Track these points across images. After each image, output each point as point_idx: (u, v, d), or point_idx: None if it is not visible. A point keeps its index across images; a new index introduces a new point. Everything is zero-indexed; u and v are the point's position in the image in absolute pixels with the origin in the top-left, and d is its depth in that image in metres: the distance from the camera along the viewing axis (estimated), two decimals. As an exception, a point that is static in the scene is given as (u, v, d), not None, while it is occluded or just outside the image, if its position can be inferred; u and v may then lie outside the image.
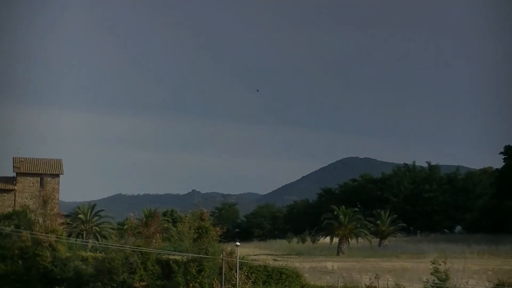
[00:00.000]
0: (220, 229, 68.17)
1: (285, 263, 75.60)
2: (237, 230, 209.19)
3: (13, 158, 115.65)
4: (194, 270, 63.85)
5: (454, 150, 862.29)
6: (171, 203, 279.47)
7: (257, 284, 66.64)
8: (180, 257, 66.91)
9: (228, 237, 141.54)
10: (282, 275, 69.90)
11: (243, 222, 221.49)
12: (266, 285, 68.14)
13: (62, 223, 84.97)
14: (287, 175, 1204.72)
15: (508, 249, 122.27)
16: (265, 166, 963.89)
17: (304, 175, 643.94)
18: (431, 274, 66.58)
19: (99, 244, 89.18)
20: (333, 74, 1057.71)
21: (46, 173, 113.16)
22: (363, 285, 73.92)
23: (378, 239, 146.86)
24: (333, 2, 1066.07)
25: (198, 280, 63.55)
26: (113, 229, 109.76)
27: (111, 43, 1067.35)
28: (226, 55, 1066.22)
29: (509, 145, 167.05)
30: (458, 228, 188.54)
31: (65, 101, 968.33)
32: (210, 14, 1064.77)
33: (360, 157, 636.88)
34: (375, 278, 72.22)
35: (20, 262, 69.21)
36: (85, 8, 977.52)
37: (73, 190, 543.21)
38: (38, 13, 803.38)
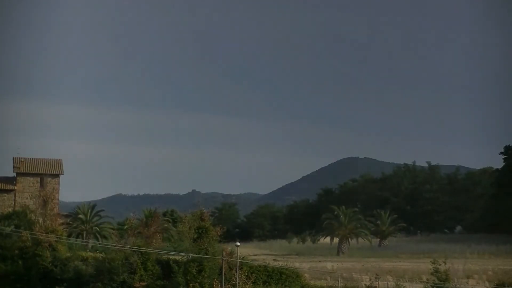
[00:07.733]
0: (220, 229, 68.18)
1: (285, 263, 75.65)
2: (237, 230, 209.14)
3: (13, 158, 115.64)
4: (194, 270, 63.81)
5: (454, 150, 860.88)
6: (171, 203, 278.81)
7: (257, 284, 66.58)
8: (180, 257, 66.88)
9: (228, 237, 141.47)
10: (282, 275, 69.86)
11: (243, 222, 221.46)
12: (266, 285, 68.10)
13: (62, 223, 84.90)
14: (287, 175, 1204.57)
15: (508, 249, 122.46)
16: (265, 166, 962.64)
17: (304, 175, 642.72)
18: (431, 274, 66.61)
19: (99, 244, 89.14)
20: (333, 74, 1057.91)
21: (46, 173, 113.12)
22: (363, 285, 73.94)
23: (378, 239, 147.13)
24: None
25: (198, 280, 63.51)
26: (113, 229, 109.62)
27: (111, 40, 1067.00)
28: (226, 52, 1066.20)
29: (509, 145, 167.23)
30: (458, 228, 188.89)
31: (65, 100, 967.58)
32: (211, 11, 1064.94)
33: (360, 157, 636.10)
34: (375, 278, 72.28)
35: (20, 262, 69.21)
36: (84, 5, 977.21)
37: (73, 190, 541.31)
38: (38, 11, 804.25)
